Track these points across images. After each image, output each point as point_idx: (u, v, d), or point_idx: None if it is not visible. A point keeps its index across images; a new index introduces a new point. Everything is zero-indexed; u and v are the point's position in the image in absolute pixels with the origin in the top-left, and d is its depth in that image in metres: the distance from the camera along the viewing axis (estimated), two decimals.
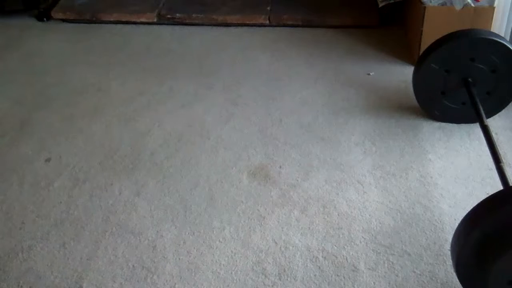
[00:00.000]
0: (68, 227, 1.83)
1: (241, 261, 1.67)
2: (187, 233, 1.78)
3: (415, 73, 2.15)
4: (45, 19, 3.30)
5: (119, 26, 3.19)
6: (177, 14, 3.12)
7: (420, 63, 2.10)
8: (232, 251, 1.71)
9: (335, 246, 1.71)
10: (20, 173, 2.09)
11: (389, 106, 2.34)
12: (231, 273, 1.64)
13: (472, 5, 2.37)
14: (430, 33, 2.37)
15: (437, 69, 2.06)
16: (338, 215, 1.82)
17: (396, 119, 2.26)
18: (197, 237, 1.77)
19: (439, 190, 1.89)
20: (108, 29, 3.16)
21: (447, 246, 1.67)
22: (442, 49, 2.02)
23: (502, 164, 1.65)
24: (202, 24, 3.13)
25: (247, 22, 3.08)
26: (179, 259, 1.69)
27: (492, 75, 2.04)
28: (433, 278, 1.59)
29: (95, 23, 3.22)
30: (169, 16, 3.13)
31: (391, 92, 2.44)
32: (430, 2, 2.41)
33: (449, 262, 1.62)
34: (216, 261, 1.68)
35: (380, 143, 2.13)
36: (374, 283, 1.59)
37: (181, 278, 1.63)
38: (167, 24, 3.16)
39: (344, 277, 1.61)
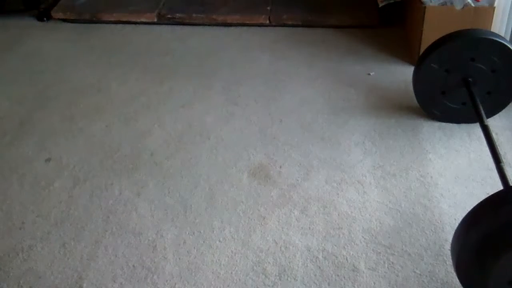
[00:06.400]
0: (68, 227, 1.83)
1: (241, 261, 1.67)
2: (187, 233, 1.78)
3: (415, 73, 2.15)
4: (45, 19, 3.29)
5: (119, 26, 3.19)
6: (177, 14, 3.12)
7: (420, 63, 2.10)
8: (232, 251, 1.71)
9: (335, 246, 1.71)
10: (20, 173, 2.09)
11: (389, 106, 2.34)
12: (231, 273, 1.64)
13: (472, 5, 2.37)
14: (430, 33, 2.37)
15: (437, 69, 2.06)
16: (338, 215, 1.82)
17: (396, 119, 2.26)
18: (197, 237, 1.77)
19: (439, 190, 1.89)
20: (108, 29, 3.16)
21: (447, 246, 1.67)
22: (442, 49, 2.02)
23: (502, 164, 1.65)
24: (202, 24, 3.13)
25: (247, 22, 3.08)
26: (179, 259, 1.69)
27: (492, 75, 2.04)
28: (433, 278, 1.59)
29: (95, 23, 3.22)
30: (169, 16, 3.13)
31: (391, 92, 2.44)
32: (430, 2, 2.41)
33: (449, 262, 1.62)
34: (216, 261, 1.68)
35: (380, 143, 2.13)
36: (374, 283, 1.59)
37: (181, 278, 1.63)
38: (167, 24, 3.16)
39: (344, 277, 1.61)
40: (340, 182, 1.95)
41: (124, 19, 3.18)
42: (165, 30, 3.12)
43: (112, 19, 3.19)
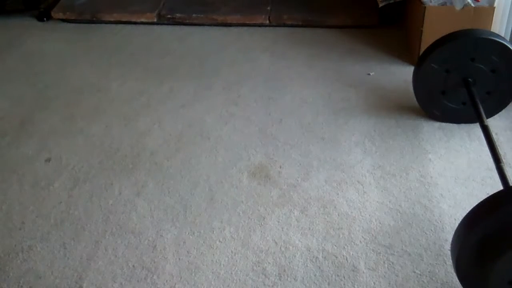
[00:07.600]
0: (68, 227, 1.83)
1: (241, 261, 1.67)
2: (187, 233, 1.78)
3: (415, 73, 2.15)
4: (45, 19, 3.30)
5: (119, 26, 3.19)
6: (177, 14, 3.13)
7: (420, 63, 2.10)
8: (232, 251, 1.71)
9: (335, 246, 1.71)
10: (20, 173, 2.09)
11: (389, 106, 2.34)
12: (231, 273, 1.64)
13: (472, 5, 2.37)
14: (430, 33, 2.37)
15: (437, 69, 2.06)
16: (338, 215, 1.82)
17: (396, 119, 2.26)
18: (197, 237, 1.77)
19: (439, 190, 1.89)
20: (108, 29, 3.17)
21: (447, 246, 1.67)
22: (442, 49, 2.02)
23: (502, 164, 1.65)
24: (202, 24, 3.14)
25: (247, 22, 3.09)
26: (179, 259, 1.69)
27: (492, 75, 2.04)
28: (433, 278, 1.59)
29: (95, 23, 3.22)
30: (169, 16, 3.13)
31: (391, 92, 2.44)
32: (430, 2, 2.41)
33: (449, 262, 1.62)
34: (216, 261, 1.68)
35: (380, 143, 2.13)
36: (374, 283, 1.59)
37: (181, 278, 1.63)
38: (167, 24, 3.16)
39: (344, 277, 1.61)
40: (340, 182, 1.95)
41: (124, 19, 3.18)
42: (165, 30, 3.12)
43: (112, 19, 3.20)
